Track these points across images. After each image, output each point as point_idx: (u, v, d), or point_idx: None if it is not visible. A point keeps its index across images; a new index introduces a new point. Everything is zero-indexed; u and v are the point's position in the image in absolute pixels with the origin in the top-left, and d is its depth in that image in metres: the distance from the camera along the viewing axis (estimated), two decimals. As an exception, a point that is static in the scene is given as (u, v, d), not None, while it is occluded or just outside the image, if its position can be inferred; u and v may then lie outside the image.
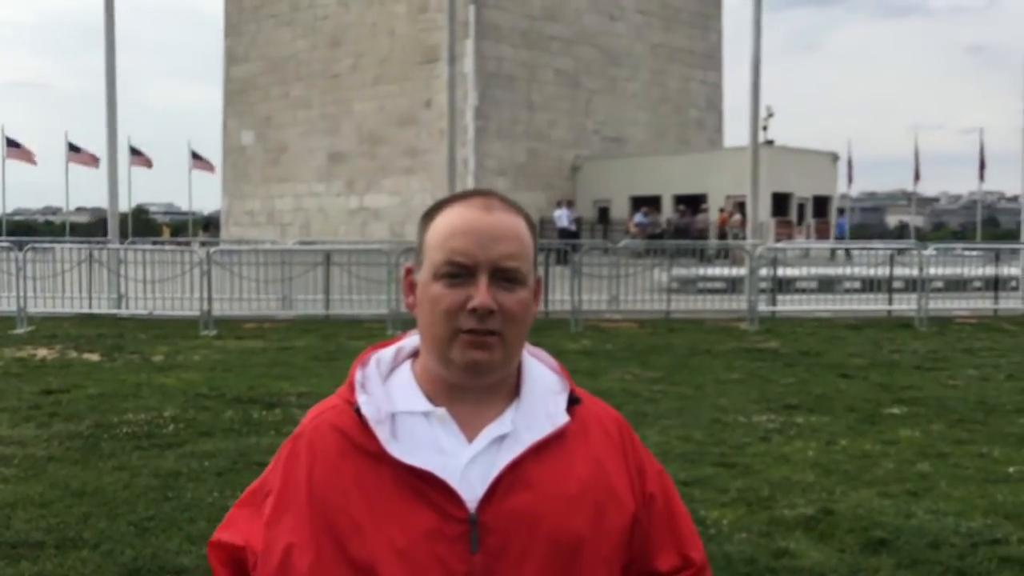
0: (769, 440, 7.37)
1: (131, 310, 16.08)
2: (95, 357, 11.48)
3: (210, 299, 14.80)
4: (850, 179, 50.02)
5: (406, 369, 1.52)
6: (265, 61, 43.67)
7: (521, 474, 1.43)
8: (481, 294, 1.40)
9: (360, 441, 1.44)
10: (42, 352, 11.80)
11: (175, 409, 8.24)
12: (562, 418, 1.49)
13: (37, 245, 17.91)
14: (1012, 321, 16.46)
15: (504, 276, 1.42)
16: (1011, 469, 6.51)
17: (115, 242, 18.31)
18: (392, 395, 1.48)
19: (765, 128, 35.24)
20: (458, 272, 1.42)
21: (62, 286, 16.42)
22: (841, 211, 35.46)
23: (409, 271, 1.52)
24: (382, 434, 1.43)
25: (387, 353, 1.55)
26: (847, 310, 17.07)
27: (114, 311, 16.07)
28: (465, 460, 1.42)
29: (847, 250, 26.00)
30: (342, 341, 12.85)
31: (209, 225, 52.49)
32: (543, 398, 1.50)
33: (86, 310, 16.12)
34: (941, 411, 8.50)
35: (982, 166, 46.59)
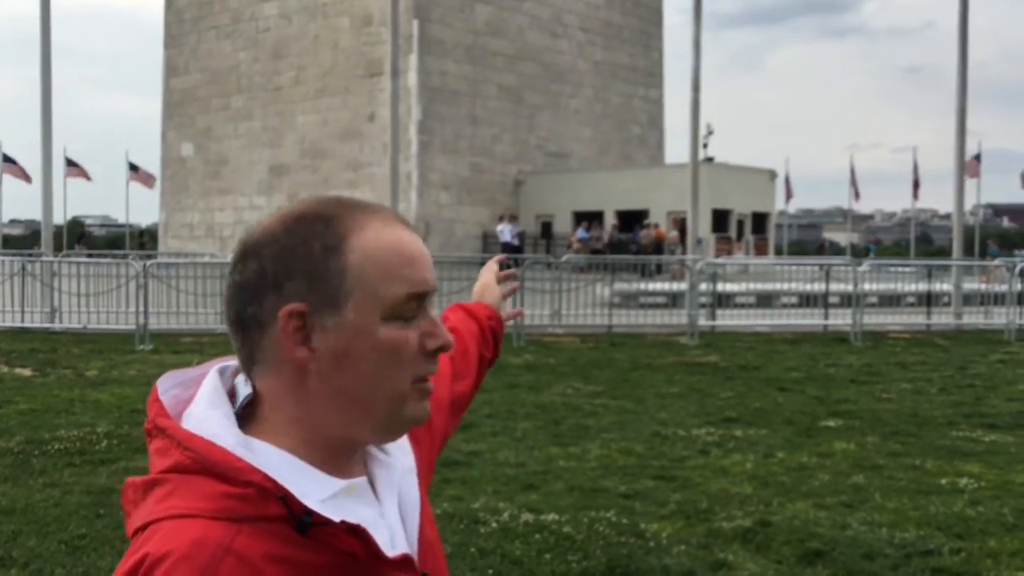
0: (708, 453, 7.45)
1: (65, 324, 15.74)
2: (27, 372, 11.22)
3: (146, 313, 14.55)
4: (788, 196, 50.95)
5: (262, 444, 1.11)
6: (205, 73, 43.22)
7: (423, 506, 1.26)
8: (443, 330, 1.15)
9: (311, 559, 1.06)
10: (-29, 367, 11.51)
11: (109, 425, 8.07)
12: None
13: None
14: (944, 336, 16.82)
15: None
16: (943, 481, 6.65)
17: (49, 255, 17.93)
18: (290, 482, 1.09)
19: (705, 145, 35.78)
20: (417, 309, 1.14)
21: (-8, 299, 16.05)
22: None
23: (302, 314, 1.10)
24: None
25: (226, 425, 1.12)
26: (784, 325, 17.32)
27: (47, 325, 15.72)
28: (393, 520, 1.18)
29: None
30: (282, 355, 12.69)
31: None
32: None
33: (18, 324, 15.76)
34: (875, 424, 8.66)
35: (916, 185, 47.71)
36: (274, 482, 1.05)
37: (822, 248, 52.57)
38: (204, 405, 1.13)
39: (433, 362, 1.15)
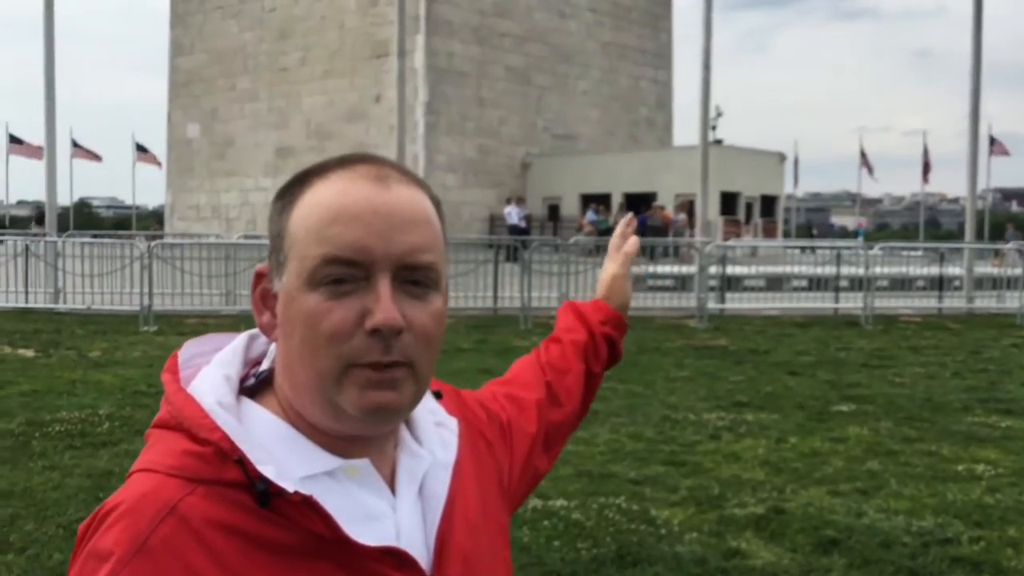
0: (719, 438, 7.32)
1: (69, 305, 15.66)
2: (30, 353, 11.13)
3: (151, 294, 14.46)
4: (796, 179, 50.72)
5: (259, 411, 1.05)
6: (211, 53, 42.99)
7: (454, 506, 1.12)
8: (385, 306, 0.97)
9: (270, 534, 0.96)
10: (-26, 347, 11.43)
11: (111, 407, 7.98)
12: (451, 421, 1.19)
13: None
14: (955, 320, 16.66)
15: (413, 278, 1.00)
16: (960, 467, 6.51)
17: (53, 235, 17.84)
18: (269, 451, 1.00)
19: (714, 128, 35.52)
20: (346, 275, 0.98)
21: (-4, 280, 15.99)
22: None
23: (261, 276, 1.06)
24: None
25: (217, 384, 1.05)
26: (794, 308, 17.16)
27: (51, 306, 15.65)
28: (406, 515, 1.07)
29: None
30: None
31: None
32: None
33: (23, 304, 15.68)
34: (889, 409, 8.52)
35: (926, 168, 47.40)
36: (232, 443, 0.97)
37: (810, 232, 52.20)
38: (213, 365, 1.08)
39: (377, 346, 0.98)
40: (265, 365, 1.11)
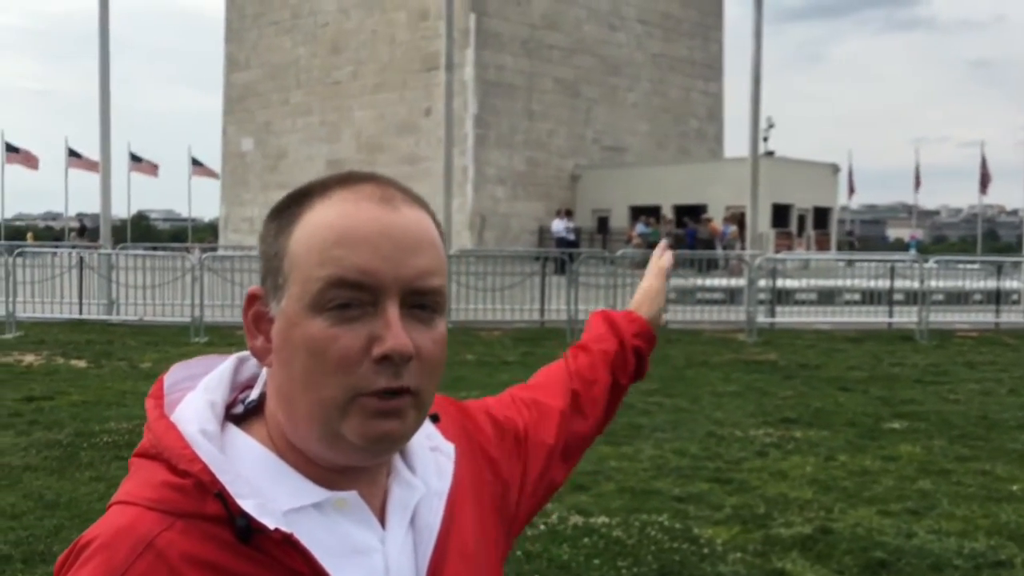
0: (766, 455, 7.20)
1: (122, 316, 15.91)
2: (82, 364, 11.31)
3: (201, 305, 14.63)
4: (851, 191, 49.99)
5: (246, 439, 1.01)
6: (265, 68, 43.57)
7: (448, 537, 1.07)
8: (395, 332, 0.93)
9: (250, 572, 0.92)
10: (28, 358, 11.63)
11: (159, 418, 8.05)
12: (448, 446, 1.14)
13: (27, 249, 17.82)
14: (1013, 335, 16.27)
15: (420, 303, 0.97)
16: (1015, 487, 6.33)
17: (107, 247, 18.14)
18: (252, 483, 0.96)
19: (766, 139, 35.27)
20: (352, 300, 0.94)
21: (51, 291, 16.28)
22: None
23: (255, 298, 1.02)
24: (322, 548, 0.95)
25: (201, 410, 1.00)
26: (847, 322, 16.89)
27: (105, 317, 15.90)
28: (396, 548, 1.02)
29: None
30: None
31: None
32: None
33: (77, 316, 15.96)
34: (942, 426, 8.33)
35: (984, 180, 46.46)
36: (212, 475, 0.93)
37: (852, 245, 51.36)
38: (199, 391, 1.04)
39: (386, 373, 0.94)
40: (255, 392, 1.07)
